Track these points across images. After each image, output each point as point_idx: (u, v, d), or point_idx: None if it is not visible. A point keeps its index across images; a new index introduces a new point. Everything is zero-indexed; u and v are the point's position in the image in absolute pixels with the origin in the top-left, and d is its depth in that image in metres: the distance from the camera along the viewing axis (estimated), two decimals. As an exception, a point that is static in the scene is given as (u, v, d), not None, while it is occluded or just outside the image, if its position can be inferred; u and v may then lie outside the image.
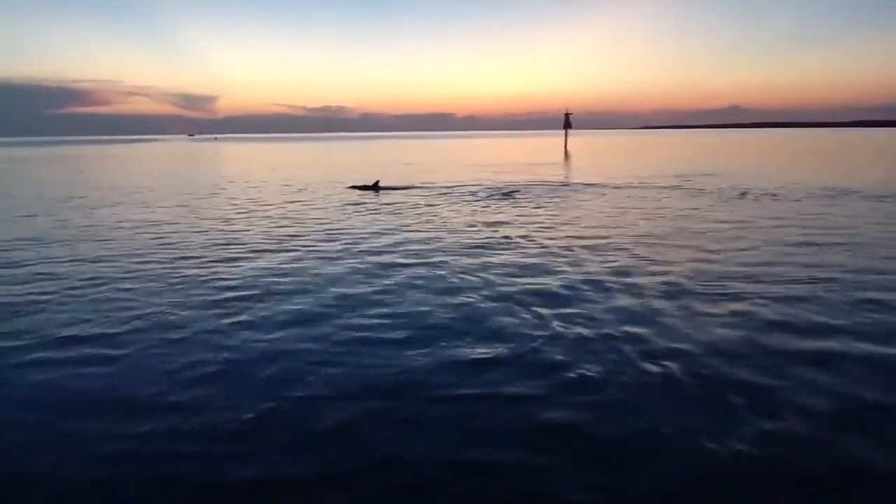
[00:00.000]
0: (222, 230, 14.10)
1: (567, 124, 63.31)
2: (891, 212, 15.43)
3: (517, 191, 21.85)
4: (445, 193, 21.53)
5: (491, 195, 20.62)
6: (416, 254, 10.89)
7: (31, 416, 4.95)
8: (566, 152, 59.32)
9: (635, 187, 22.97)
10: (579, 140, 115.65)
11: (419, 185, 24.74)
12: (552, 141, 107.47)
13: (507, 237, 12.62)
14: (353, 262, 10.23)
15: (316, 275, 9.38)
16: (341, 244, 11.98)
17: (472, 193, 21.29)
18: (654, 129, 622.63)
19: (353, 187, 23.91)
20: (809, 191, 20.24)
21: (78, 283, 9.12)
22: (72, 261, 10.82)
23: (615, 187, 23.02)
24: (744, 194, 19.62)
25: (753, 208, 16.51)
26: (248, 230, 14.07)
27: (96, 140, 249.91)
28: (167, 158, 64.61)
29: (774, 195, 19.17)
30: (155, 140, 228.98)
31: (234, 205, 19.18)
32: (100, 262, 10.70)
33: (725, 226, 13.68)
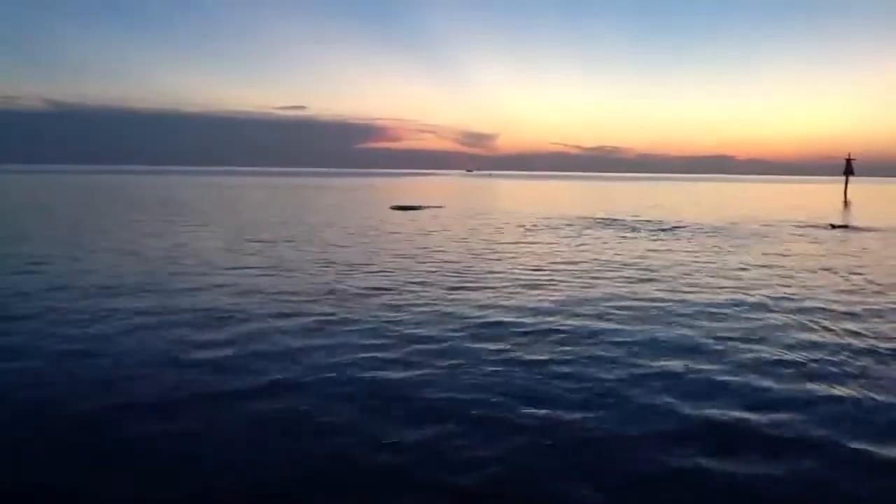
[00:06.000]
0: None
1: (849, 170, 59.90)
2: None
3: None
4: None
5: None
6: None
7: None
8: (846, 200, 56.33)
9: None
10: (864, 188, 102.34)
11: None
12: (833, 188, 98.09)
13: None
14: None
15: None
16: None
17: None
18: None
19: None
20: None
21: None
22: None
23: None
24: None
25: None
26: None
27: (391, 173, 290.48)
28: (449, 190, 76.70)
29: None
30: (436, 174, 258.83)
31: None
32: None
33: None
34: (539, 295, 11.77)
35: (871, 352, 8.28)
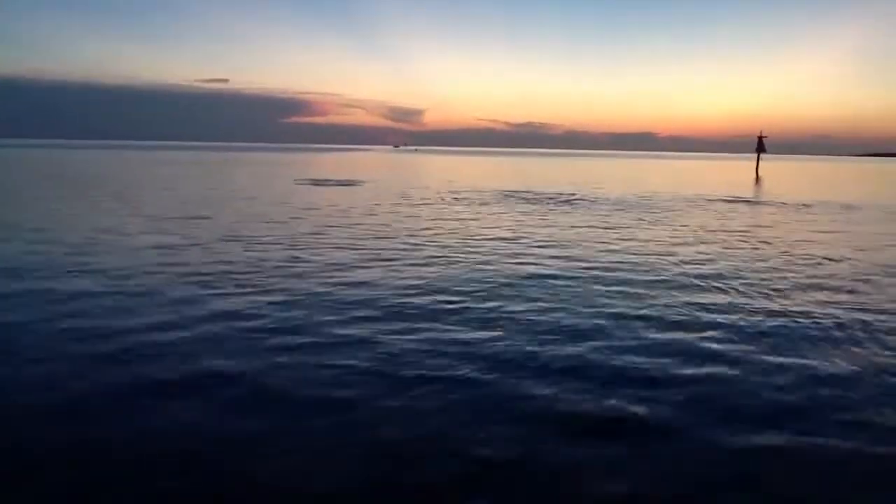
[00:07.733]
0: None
1: (760, 148, 61.92)
2: None
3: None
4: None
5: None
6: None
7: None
8: (757, 177, 58.10)
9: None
10: (778, 165, 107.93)
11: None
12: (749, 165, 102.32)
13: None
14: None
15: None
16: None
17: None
18: (884, 156, 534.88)
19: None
20: None
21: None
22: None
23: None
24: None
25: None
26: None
27: (317, 148, 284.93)
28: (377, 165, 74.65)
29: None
30: (362, 150, 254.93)
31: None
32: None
33: None
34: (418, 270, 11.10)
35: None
